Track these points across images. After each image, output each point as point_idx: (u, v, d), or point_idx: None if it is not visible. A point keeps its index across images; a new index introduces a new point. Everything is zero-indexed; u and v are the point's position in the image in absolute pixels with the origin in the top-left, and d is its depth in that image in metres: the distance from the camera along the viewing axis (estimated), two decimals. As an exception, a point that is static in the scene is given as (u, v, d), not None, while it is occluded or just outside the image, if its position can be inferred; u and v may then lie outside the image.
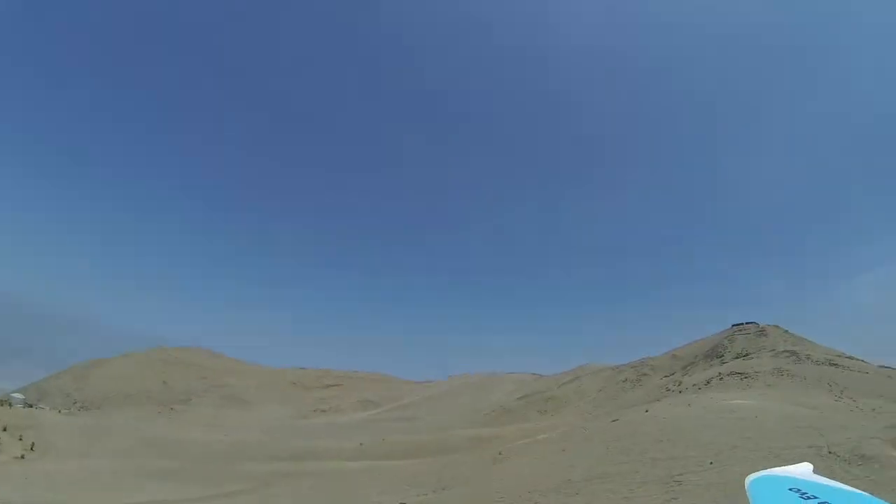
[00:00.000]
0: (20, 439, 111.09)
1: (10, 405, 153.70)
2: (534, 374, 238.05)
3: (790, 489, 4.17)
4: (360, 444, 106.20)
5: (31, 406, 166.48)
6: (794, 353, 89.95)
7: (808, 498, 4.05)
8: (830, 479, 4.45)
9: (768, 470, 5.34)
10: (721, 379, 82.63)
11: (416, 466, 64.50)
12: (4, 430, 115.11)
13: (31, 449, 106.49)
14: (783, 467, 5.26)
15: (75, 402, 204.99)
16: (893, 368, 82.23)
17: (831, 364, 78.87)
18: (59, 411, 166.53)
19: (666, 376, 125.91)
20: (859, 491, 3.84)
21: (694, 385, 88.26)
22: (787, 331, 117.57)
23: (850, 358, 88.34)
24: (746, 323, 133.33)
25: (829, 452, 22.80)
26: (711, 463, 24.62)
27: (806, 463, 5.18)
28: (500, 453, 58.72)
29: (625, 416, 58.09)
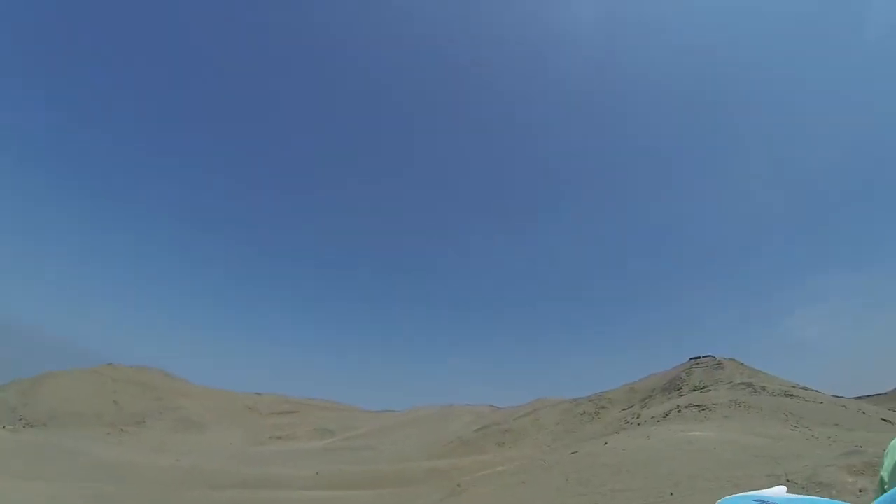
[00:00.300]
0: None
1: None
2: (491, 405, 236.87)
3: (755, 500, 3.91)
4: (317, 472, 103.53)
5: None
6: (750, 385, 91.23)
7: None
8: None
9: (740, 494, 5.06)
10: (679, 411, 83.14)
11: (374, 497, 63.06)
12: None
13: None
14: (757, 491, 4.99)
15: (20, 419, 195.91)
16: (846, 398, 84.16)
17: (787, 395, 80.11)
18: (3, 427, 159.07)
19: (624, 409, 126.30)
20: (824, 499, 3.58)
21: (653, 417, 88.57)
22: (742, 363, 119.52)
23: (805, 388, 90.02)
24: (703, 356, 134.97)
25: (787, 480, 22.86)
26: (672, 494, 24.46)
27: (780, 486, 4.92)
28: (458, 485, 57.71)
29: (584, 448, 57.80)
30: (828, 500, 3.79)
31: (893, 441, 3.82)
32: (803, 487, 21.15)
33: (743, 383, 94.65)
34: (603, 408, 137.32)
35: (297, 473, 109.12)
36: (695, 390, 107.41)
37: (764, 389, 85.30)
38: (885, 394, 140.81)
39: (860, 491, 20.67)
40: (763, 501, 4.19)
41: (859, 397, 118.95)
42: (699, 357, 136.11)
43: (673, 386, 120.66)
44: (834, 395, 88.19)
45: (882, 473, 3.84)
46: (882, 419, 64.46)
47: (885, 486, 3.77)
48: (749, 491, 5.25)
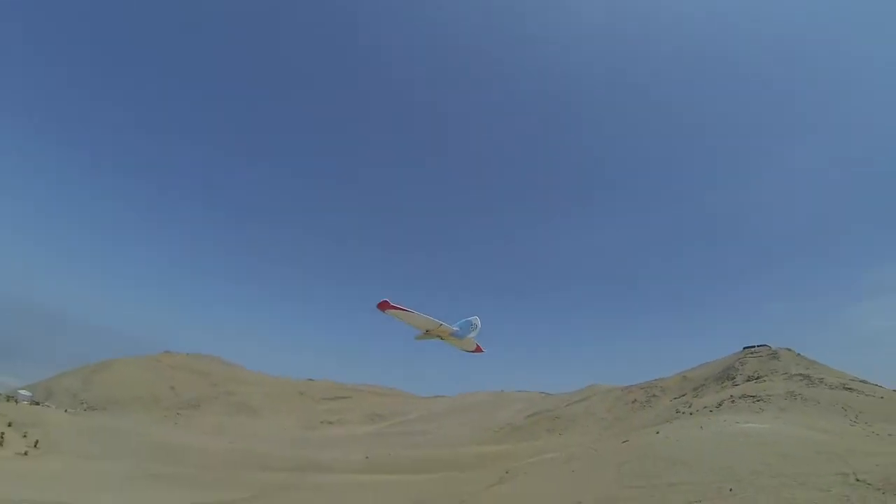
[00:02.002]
0: (24, 436, 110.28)
1: (17, 402, 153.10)
2: (542, 392, 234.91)
3: None
4: (366, 457, 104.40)
5: (37, 404, 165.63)
6: (806, 376, 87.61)
7: None
8: None
9: None
10: (733, 402, 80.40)
11: (422, 482, 62.78)
12: (10, 425, 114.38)
13: (35, 446, 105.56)
14: None
15: (82, 403, 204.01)
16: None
17: (845, 388, 76.55)
18: (66, 410, 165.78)
19: (676, 398, 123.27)
20: None
21: (705, 407, 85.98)
22: (799, 354, 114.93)
23: (864, 382, 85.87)
24: (758, 345, 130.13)
25: (858, 480, 21.14)
26: (731, 490, 22.99)
27: None
28: (507, 472, 56.93)
29: (635, 437, 56.22)
30: None
31: None
32: (879, 489, 19.47)
33: (799, 374, 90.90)
34: (654, 396, 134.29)
35: (348, 457, 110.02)
36: (749, 380, 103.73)
37: (821, 381, 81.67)
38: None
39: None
40: None
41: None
42: (754, 346, 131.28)
43: (726, 375, 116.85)
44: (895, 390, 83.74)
45: None
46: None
47: None
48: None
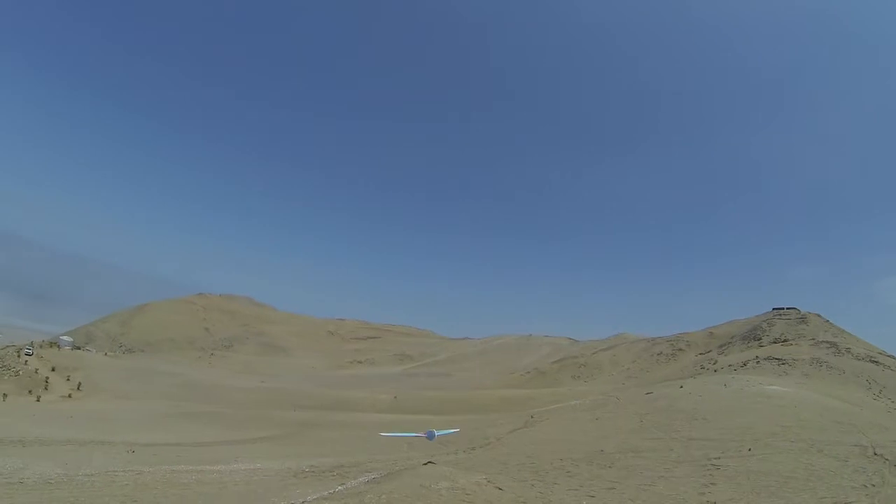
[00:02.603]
0: (68, 379, 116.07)
1: (59, 347, 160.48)
2: (569, 338, 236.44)
3: None
4: (394, 397, 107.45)
5: (78, 348, 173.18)
6: (833, 344, 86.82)
7: None
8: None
9: None
10: (758, 362, 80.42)
11: (448, 423, 64.65)
12: (53, 370, 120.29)
13: (78, 389, 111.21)
14: None
15: (121, 346, 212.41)
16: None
17: (872, 361, 75.78)
18: (105, 354, 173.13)
19: (701, 353, 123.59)
20: None
21: (730, 366, 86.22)
22: (828, 321, 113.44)
23: (891, 357, 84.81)
24: (787, 308, 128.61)
25: (875, 454, 21.54)
26: (750, 450, 23.64)
27: None
28: (531, 416, 58.46)
29: (659, 389, 57.00)
30: None
31: None
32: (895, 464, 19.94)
33: (827, 342, 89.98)
34: (680, 350, 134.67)
35: (375, 397, 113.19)
36: (776, 343, 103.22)
37: (848, 351, 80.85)
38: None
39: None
40: None
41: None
42: (783, 308, 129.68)
43: (753, 335, 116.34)
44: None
45: None
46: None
47: None
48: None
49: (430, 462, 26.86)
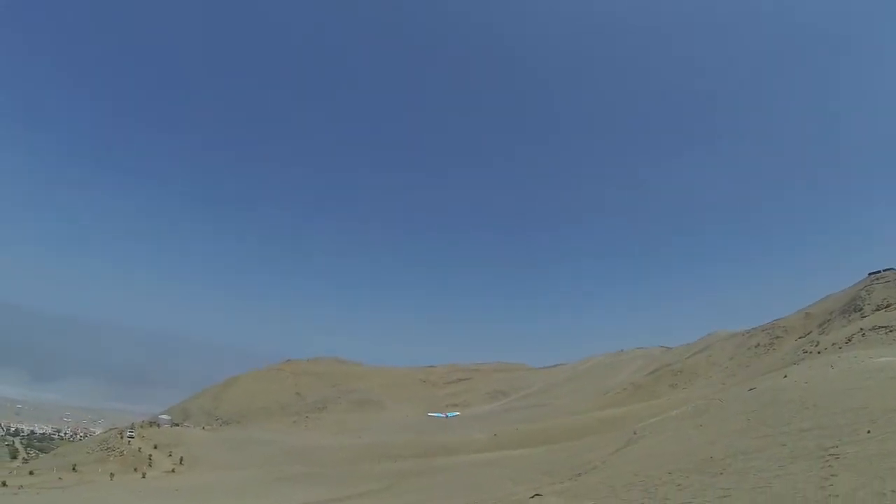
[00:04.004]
0: (170, 455, 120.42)
1: (159, 426, 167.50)
2: (661, 346, 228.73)
3: None
4: (494, 434, 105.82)
5: (177, 425, 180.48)
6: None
7: None
8: None
9: None
10: (863, 335, 75.16)
11: (550, 453, 63.08)
12: (155, 447, 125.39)
13: (181, 463, 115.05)
14: None
15: (216, 419, 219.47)
16: None
17: None
18: (203, 428, 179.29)
19: (801, 337, 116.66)
20: None
21: (833, 344, 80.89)
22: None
23: None
24: (884, 270, 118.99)
25: None
26: (868, 432, 21.79)
27: None
28: (634, 433, 56.30)
29: (762, 383, 54.00)
30: None
31: None
32: None
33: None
34: (778, 337, 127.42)
35: (474, 437, 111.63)
36: (878, 310, 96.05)
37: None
38: None
39: None
40: None
41: None
42: (879, 272, 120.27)
43: (853, 307, 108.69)
44: None
45: None
46: None
47: None
48: None
49: (536, 495, 26.13)
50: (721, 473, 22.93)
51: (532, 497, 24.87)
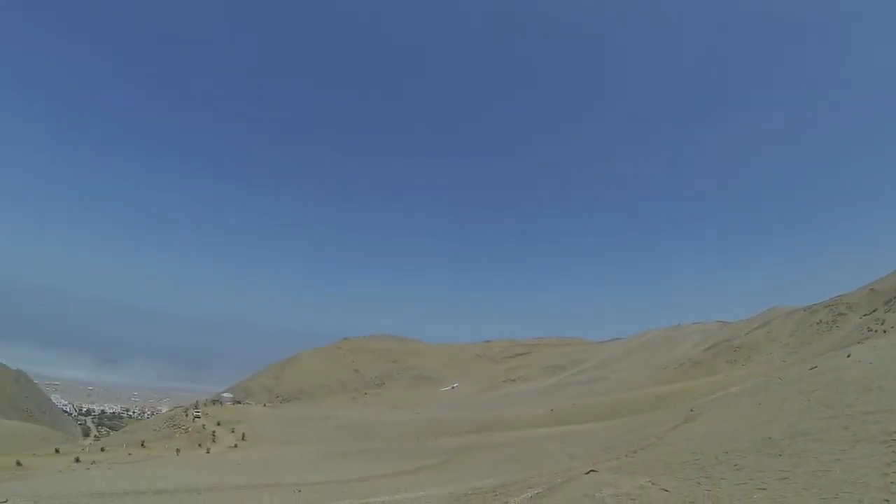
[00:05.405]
0: (232, 432, 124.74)
1: (222, 404, 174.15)
2: (719, 321, 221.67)
3: None
4: (551, 409, 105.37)
5: (239, 403, 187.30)
6: None
7: None
8: None
9: None
10: (934, 313, 71.15)
11: (607, 429, 62.49)
12: (219, 424, 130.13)
13: (243, 439, 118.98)
14: None
15: (277, 396, 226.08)
16: None
17: None
18: (264, 405, 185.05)
19: (865, 315, 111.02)
20: None
21: (901, 322, 76.94)
22: None
23: None
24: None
25: None
26: (938, 415, 20.83)
27: None
28: (691, 410, 55.16)
29: (824, 362, 51.86)
30: None
31: None
32: None
33: None
34: (841, 314, 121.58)
35: (531, 412, 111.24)
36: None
37: None
38: None
39: None
40: None
41: None
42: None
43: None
44: None
45: None
46: None
47: None
48: None
49: (592, 471, 26.09)
50: (780, 455, 22.31)
51: (587, 473, 24.86)
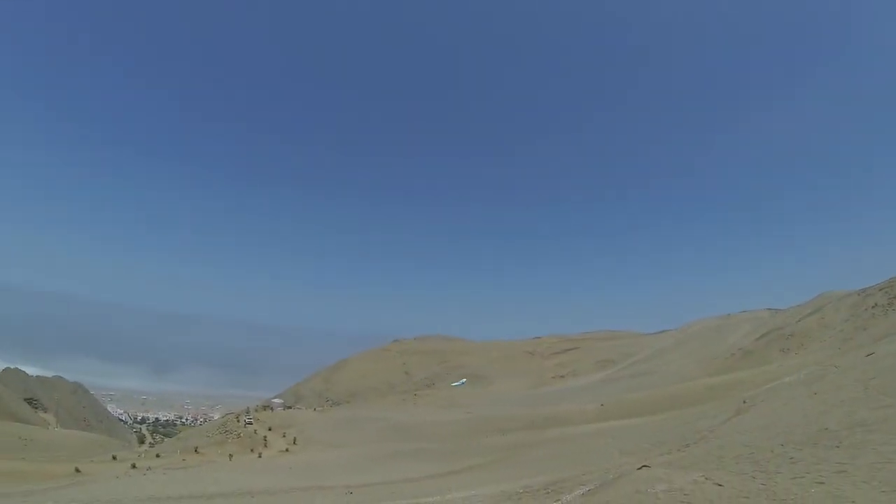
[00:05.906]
0: (283, 436, 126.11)
1: (272, 409, 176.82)
2: (769, 309, 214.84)
3: None
4: (601, 404, 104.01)
5: (289, 408, 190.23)
6: None
7: None
8: None
9: None
10: None
11: (657, 423, 61.43)
12: (270, 429, 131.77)
13: (294, 443, 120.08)
14: None
15: (327, 400, 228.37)
16: None
17: None
18: (314, 409, 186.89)
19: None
20: None
21: (963, 304, 73.34)
22: None
23: None
24: None
25: None
26: None
27: None
28: (744, 401, 53.79)
29: (881, 348, 49.96)
30: None
31: None
32: None
33: None
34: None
35: (582, 408, 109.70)
36: None
37: None
38: None
39: None
40: None
41: None
42: None
43: None
44: None
45: None
46: None
47: None
48: None
49: (644, 466, 25.80)
50: (837, 447, 21.65)
51: (640, 468, 24.61)
